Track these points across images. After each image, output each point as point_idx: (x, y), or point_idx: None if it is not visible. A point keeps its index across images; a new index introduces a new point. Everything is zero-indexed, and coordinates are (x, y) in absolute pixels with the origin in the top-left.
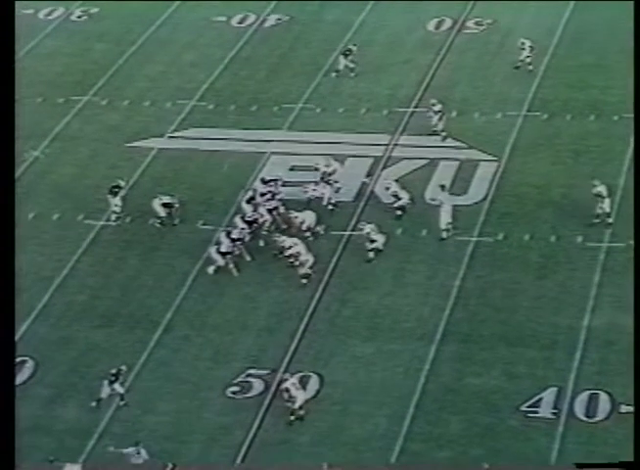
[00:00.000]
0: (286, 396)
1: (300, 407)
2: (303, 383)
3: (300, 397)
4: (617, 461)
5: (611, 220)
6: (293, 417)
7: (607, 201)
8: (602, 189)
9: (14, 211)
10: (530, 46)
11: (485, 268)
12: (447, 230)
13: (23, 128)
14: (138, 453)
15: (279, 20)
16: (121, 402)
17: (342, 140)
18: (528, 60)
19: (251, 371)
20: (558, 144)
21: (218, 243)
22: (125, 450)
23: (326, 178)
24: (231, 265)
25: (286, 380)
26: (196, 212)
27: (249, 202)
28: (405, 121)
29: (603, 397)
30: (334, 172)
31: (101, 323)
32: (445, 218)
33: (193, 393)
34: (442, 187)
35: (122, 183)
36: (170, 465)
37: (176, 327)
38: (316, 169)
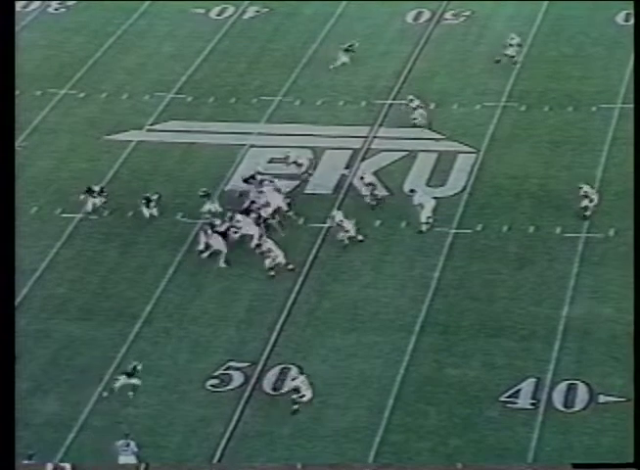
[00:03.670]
0: (295, 393)
1: (306, 403)
2: (284, 375)
3: (308, 395)
4: (597, 450)
5: (589, 213)
6: (297, 406)
7: (595, 199)
8: (588, 190)
9: (14, 209)
10: (519, 44)
11: (464, 259)
12: (427, 223)
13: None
14: (127, 446)
15: (258, 12)
16: (130, 393)
17: (320, 132)
18: (514, 55)
19: (231, 364)
20: (536, 135)
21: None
22: (118, 443)
23: (303, 174)
24: (222, 260)
25: (295, 378)
26: (174, 205)
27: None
28: (384, 113)
29: (581, 387)
30: (307, 170)
31: (80, 316)
32: (426, 212)
33: (172, 385)
34: (412, 191)
35: (96, 188)
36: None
37: (156, 320)
38: (293, 163)
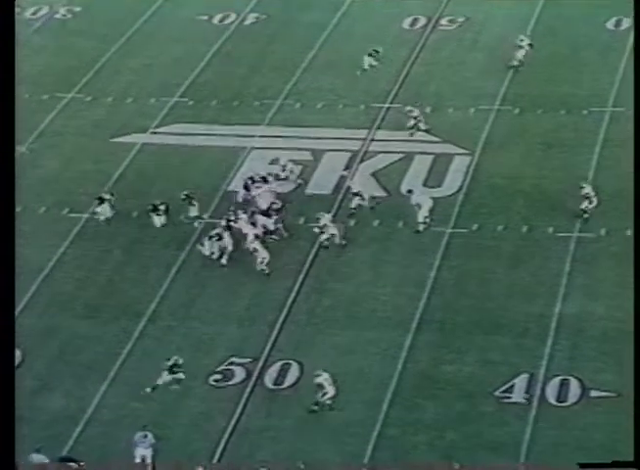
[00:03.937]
0: (319, 390)
1: (330, 399)
2: (285, 370)
3: (331, 392)
4: (590, 444)
5: (587, 215)
6: (316, 407)
7: (594, 201)
8: (589, 190)
9: (14, 208)
10: (530, 44)
11: (460, 258)
12: (424, 223)
13: None
14: (145, 437)
15: (257, 18)
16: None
17: (320, 135)
18: (521, 58)
19: (233, 359)
20: (529, 137)
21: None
22: (135, 435)
23: (291, 178)
24: (225, 257)
25: (319, 375)
26: (178, 206)
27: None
28: (382, 116)
29: (573, 382)
30: (295, 174)
31: (86, 313)
32: (423, 212)
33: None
34: (410, 191)
35: (107, 196)
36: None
37: (160, 318)
38: (282, 166)
